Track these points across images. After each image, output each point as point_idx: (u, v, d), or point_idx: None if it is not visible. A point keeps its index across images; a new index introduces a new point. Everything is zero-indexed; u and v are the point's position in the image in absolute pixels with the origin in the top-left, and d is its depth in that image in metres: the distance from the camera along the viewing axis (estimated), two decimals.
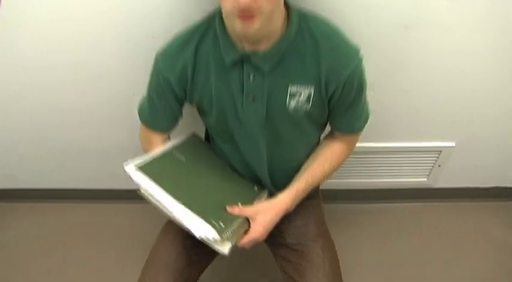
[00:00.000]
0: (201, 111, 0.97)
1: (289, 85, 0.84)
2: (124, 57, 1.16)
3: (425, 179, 1.57)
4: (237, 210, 0.90)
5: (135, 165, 0.85)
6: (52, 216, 1.66)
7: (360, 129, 0.98)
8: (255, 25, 0.73)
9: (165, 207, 0.82)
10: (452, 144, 1.42)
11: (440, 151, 1.44)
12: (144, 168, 0.85)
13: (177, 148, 0.98)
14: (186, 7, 1.01)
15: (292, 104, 0.86)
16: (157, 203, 0.84)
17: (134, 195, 1.67)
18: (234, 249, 0.86)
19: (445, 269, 1.47)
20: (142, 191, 0.84)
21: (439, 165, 1.50)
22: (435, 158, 1.47)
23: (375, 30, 1.08)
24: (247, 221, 0.90)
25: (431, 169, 1.52)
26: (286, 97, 0.85)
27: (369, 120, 0.99)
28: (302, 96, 0.85)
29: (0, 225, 1.64)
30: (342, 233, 1.57)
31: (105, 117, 1.35)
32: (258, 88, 0.84)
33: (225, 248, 0.83)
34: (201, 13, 0.89)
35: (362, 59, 0.85)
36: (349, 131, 0.98)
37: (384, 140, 1.41)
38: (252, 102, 0.86)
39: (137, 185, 0.83)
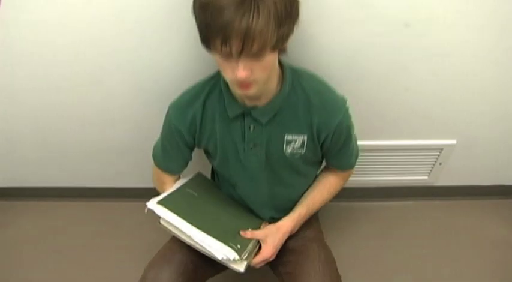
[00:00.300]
0: (207, 154, 1.09)
1: (285, 134, 0.96)
2: (127, 57, 1.16)
3: (426, 177, 1.57)
4: (249, 234, 1.02)
5: (156, 202, 0.97)
6: (52, 214, 1.67)
7: (352, 166, 1.12)
8: (252, 91, 0.84)
9: (187, 235, 0.93)
10: (454, 142, 1.42)
11: (442, 149, 1.44)
12: (163, 202, 0.98)
13: (188, 185, 1.09)
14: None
15: (289, 149, 0.98)
16: (178, 232, 0.95)
17: (134, 193, 1.69)
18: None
19: (445, 267, 1.47)
20: (162, 222, 0.97)
21: (440, 163, 1.50)
22: (436, 156, 1.47)
23: (375, 28, 1.08)
24: (257, 242, 1.02)
25: (432, 167, 1.52)
26: (283, 144, 0.97)
27: (359, 156, 1.13)
28: (297, 143, 0.97)
29: (1, 223, 1.65)
30: (343, 230, 1.57)
31: (106, 117, 1.36)
32: (257, 137, 0.96)
33: (241, 267, 0.95)
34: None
35: (348, 108, 0.97)
36: (342, 168, 1.11)
37: (384, 138, 1.41)
38: (252, 148, 0.98)
39: (159, 217, 0.95)
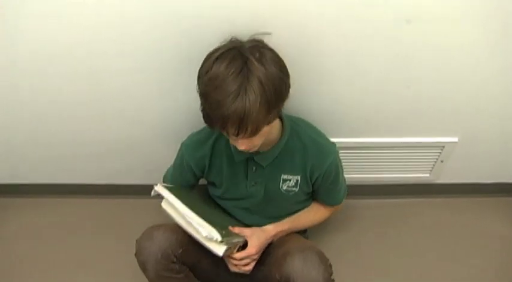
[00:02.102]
0: (211, 184, 1.22)
1: (282, 174, 1.11)
2: (129, 51, 1.16)
3: (427, 175, 1.56)
4: (237, 229, 1.13)
5: (162, 186, 1.09)
6: (54, 211, 1.67)
7: (339, 202, 1.27)
8: (253, 150, 0.99)
9: (181, 213, 1.04)
10: (455, 139, 1.41)
11: (443, 146, 1.44)
12: (168, 188, 1.09)
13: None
14: None
15: (284, 187, 1.13)
16: (175, 215, 1.06)
17: (134, 191, 1.68)
18: None
19: (447, 264, 1.47)
20: (163, 206, 1.07)
21: (441, 161, 1.49)
22: (438, 154, 1.47)
23: (377, 24, 1.07)
24: (242, 241, 1.13)
25: (433, 164, 1.51)
26: (280, 182, 1.12)
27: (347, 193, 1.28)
28: (291, 181, 1.12)
29: (1, 220, 1.65)
30: (343, 228, 1.57)
31: (107, 113, 1.35)
32: (258, 176, 1.11)
33: (220, 250, 1.02)
34: None
35: (338, 152, 1.13)
36: (330, 204, 1.26)
37: (386, 135, 1.40)
38: (254, 185, 1.13)
39: (163, 197, 1.07)
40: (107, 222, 1.63)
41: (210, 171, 1.16)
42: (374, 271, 1.46)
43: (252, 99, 0.83)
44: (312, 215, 1.26)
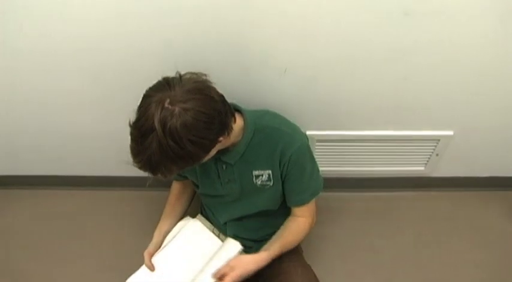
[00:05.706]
0: (192, 182, 1.23)
1: (253, 170, 1.10)
2: (125, 44, 1.16)
3: (422, 168, 1.57)
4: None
5: None
6: (52, 203, 1.67)
7: (303, 202, 1.15)
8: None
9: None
10: (451, 133, 1.42)
11: (439, 140, 1.44)
12: None
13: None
14: None
15: (258, 182, 1.11)
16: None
17: (135, 183, 1.69)
18: None
19: (441, 258, 1.48)
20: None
21: (437, 154, 1.50)
22: (433, 147, 1.47)
23: (374, 17, 1.07)
24: None
25: (429, 158, 1.52)
26: (253, 178, 1.11)
27: (318, 194, 1.15)
28: (264, 176, 1.10)
29: (0, 212, 1.65)
30: (338, 221, 1.58)
31: (105, 104, 1.35)
32: (230, 174, 1.11)
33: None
34: None
35: (305, 144, 1.07)
36: (294, 203, 1.16)
37: (381, 128, 1.41)
38: (228, 183, 1.13)
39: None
40: (106, 213, 1.63)
41: (184, 172, 1.18)
42: (368, 264, 1.47)
43: (153, 161, 0.85)
44: (295, 231, 1.16)
